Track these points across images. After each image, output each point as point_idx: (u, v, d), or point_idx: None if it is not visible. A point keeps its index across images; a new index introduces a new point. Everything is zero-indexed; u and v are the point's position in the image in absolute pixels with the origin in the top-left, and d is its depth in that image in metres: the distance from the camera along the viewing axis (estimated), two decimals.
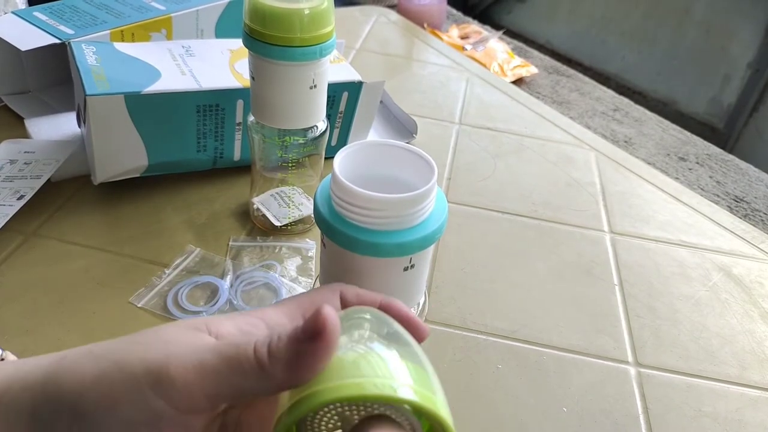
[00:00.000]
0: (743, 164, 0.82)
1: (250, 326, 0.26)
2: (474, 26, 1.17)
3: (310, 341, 0.22)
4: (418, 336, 0.28)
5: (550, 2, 2.22)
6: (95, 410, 0.23)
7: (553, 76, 1.04)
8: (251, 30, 0.43)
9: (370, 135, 0.67)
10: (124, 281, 0.48)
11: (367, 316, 0.27)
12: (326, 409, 0.24)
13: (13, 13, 0.63)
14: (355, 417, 0.24)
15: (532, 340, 0.48)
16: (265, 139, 0.49)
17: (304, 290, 0.49)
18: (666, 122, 0.92)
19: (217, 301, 0.46)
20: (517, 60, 1.04)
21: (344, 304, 0.29)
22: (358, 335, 0.25)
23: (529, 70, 1.02)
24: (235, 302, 0.47)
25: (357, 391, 0.22)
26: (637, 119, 0.92)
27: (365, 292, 0.29)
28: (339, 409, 0.24)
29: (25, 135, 0.60)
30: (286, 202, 0.54)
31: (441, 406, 0.23)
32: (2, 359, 0.29)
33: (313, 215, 0.35)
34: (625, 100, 0.98)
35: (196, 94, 0.52)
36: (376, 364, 0.23)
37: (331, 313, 0.23)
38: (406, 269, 0.33)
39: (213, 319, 0.26)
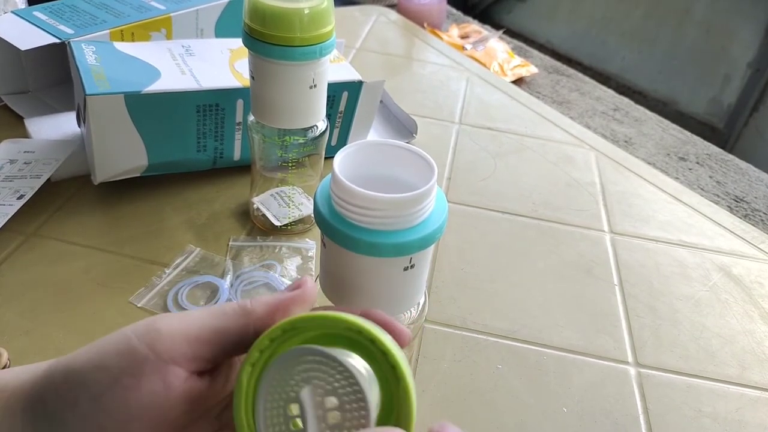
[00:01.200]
0: (743, 164, 0.82)
1: None
2: (474, 26, 1.17)
3: (289, 291, 0.27)
4: (400, 340, 0.28)
5: (550, 2, 2.22)
6: (84, 366, 0.24)
7: (553, 76, 1.04)
8: (251, 29, 0.43)
9: (370, 135, 0.67)
10: (124, 281, 0.48)
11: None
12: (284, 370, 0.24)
13: (12, 12, 0.63)
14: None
15: (532, 340, 0.48)
16: (265, 138, 0.49)
17: None
18: (666, 122, 0.92)
19: (217, 301, 0.46)
20: (517, 60, 1.04)
21: None
22: None
23: (529, 69, 1.02)
24: (235, 302, 0.47)
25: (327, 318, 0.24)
26: (637, 119, 0.92)
27: (348, 309, 0.30)
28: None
29: (25, 135, 0.60)
30: (286, 201, 0.54)
31: (401, 360, 0.24)
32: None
33: (313, 215, 0.35)
34: (625, 100, 0.98)
35: (196, 94, 0.52)
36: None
37: (311, 279, 0.28)
38: (406, 269, 0.33)
39: None
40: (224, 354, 0.25)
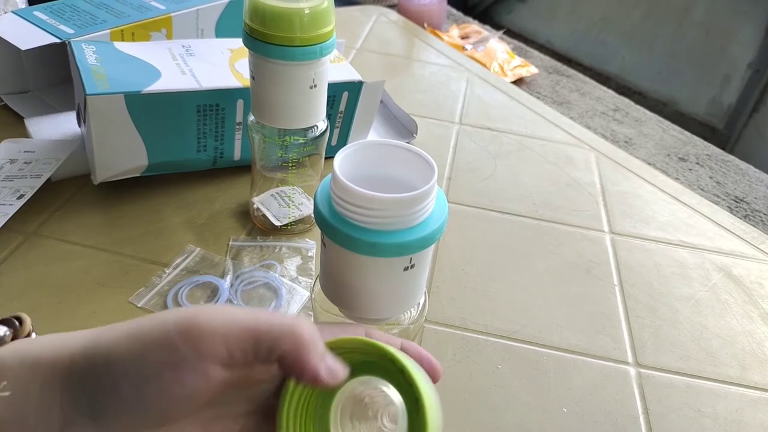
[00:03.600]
0: (743, 165, 0.82)
1: None
2: (474, 26, 1.17)
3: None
4: (434, 375, 0.30)
5: (550, 2, 2.22)
6: (126, 358, 0.24)
7: (553, 76, 1.04)
8: (251, 29, 0.43)
9: (370, 135, 0.67)
10: (124, 281, 0.48)
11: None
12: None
13: (13, 12, 0.63)
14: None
15: (532, 340, 0.48)
16: (265, 138, 0.49)
17: (305, 291, 0.48)
18: (666, 122, 0.92)
19: (217, 301, 0.46)
20: (517, 60, 1.04)
21: None
22: None
23: (529, 70, 1.02)
24: (235, 302, 0.47)
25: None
26: (637, 119, 0.92)
27: (387, 338, 0.31)
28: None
29: (25, 134, 0.60)
30: (286, 201, 0.54)
31: (433, 411, 0.26)
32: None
33: (313, 215, 0.35)
34: (625, 100, 0.98)
35: (196, 94, 0.52)
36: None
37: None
38: (406, 269, 0.33)
39: None
40: (258, 359, 0.26)
